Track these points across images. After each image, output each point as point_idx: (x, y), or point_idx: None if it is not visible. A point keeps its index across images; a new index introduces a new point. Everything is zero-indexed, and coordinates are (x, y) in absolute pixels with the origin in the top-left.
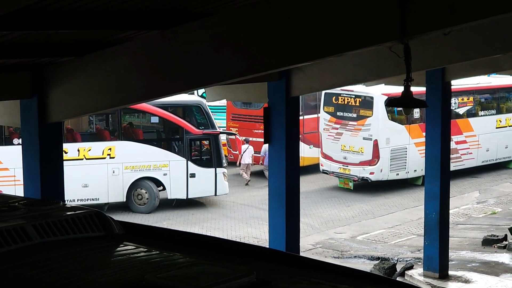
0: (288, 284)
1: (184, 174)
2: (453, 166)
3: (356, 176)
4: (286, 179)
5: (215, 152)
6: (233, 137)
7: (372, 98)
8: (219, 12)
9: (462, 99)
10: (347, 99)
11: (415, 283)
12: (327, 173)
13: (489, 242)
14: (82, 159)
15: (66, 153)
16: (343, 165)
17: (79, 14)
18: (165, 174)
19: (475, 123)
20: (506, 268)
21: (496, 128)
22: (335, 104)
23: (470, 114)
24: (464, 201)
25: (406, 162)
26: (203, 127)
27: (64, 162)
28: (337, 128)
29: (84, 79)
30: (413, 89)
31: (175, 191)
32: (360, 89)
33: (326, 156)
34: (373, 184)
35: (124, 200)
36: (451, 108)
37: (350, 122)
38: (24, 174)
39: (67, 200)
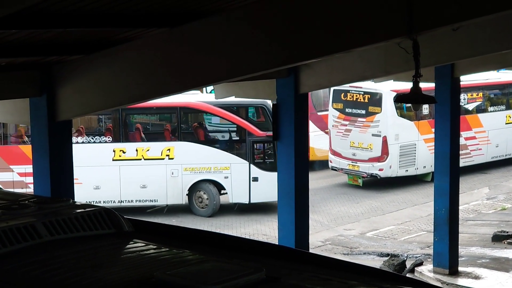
0: (297, 281)
1: (246, 178)
2: (462, 162)
3: (365, 172)
4: (295, 176)
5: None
6: None
7: (381, 94)
8: (227, 9)
9: (471, 95)
10: (356, 96)
11: (425, 279)
12: (336, 170)
13: (499, 238)
14: (140, 159)
15: (124, 152)
16: (352, 162)
17: (87, 12)
18: (226, 177)
19: (484, 119)
20: None
21: (506, 123)
22: (344, 101)
23: (480, 110)
24: (474, 197)
25: (415, 159)
26: (266, 129)
27: (122, 162)
28: (346, 125)
29: (92, 77)
30: (422, 85)
31: (237, 195)
32: (368, 85)
33: (335, 153)
34: (382, 181)
35: (183, 202)
36: (460, 104)
37: (359, 119)
38: (34, 172)
39: (125, 201)
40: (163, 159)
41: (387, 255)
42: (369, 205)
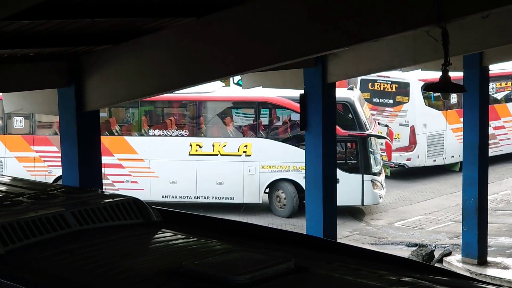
0: (326, 271)
1: None
2: (491, 152)
3: (393, 162)
4: (323, 166)
5: (362, 157)
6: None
7: (408, 84)
8: None
9: (500, 84)
10: (383, 85)
11: (453, 269)
12: None
13: None
14: (217, 154)
15: (200, 147)
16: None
17: (115, 3)
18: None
19: None
20: None
21: None
22: (371, 90)
23: (508, 99)
24: (503, 187)
25: (443, 148)
26: (349, 128)
27: (199, 156)
28: (373, 115)
29: (120, 67)
30: (450, 74)
31: None
32: (396, 75)
33: None
34: (410, 171)
35: (260, 201)
36: (489, 93)
37: (387, 108)
38: (62, 162)
39: (202, 197)
40: (240, 155)
41: (415, 245)
42: (397, 195)
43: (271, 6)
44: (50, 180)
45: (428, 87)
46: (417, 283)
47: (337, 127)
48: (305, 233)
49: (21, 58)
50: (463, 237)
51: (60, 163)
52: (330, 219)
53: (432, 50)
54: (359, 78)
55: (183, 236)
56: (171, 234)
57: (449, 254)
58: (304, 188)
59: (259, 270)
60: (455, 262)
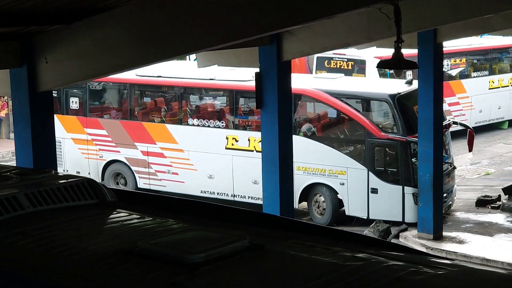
0: (281, 248)
1: (364, 188)
2: None
3: None
4: (279, 143)
5: (403, 165)
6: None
7: (364, 61)
8: None
9: (455, 61)
10: (340, 63)
11: (409, 244)
12: None
13: (483, 203)
14: (253, 150)
15: (236, 141)
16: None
17: None
18: (342, 184)
19: (467, 85)
20: (500, 228)
21: (489, 89)
22: (328, 68)
23: (463, 75)
24: (458, 162)
25: None
26: (390, 130)
27: (235, 151)
28: None
29: (73, 47)
30: (405, 51)
31: (354, 207)
32: (352, 52)
33: None
34: None
35: (296, 206)
36: (444, 69)
37: None
38: (16, 143)
39: (238, 196)
40: None
41: (372, 221)
42: None
43: None
44: (101, 165)
45: (381, 64)
46: (371, 259)
47: (375, 128)
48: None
49: None
50: (419, 213)
51: (111, 148)
52: (286, 197)
53: (386, 27)
54: (315, 56)
55: (138, 216)
56: (126, 214)
57: (406, 229)
58: (341, 196)
59: (214, 248)
60: (411, 238)
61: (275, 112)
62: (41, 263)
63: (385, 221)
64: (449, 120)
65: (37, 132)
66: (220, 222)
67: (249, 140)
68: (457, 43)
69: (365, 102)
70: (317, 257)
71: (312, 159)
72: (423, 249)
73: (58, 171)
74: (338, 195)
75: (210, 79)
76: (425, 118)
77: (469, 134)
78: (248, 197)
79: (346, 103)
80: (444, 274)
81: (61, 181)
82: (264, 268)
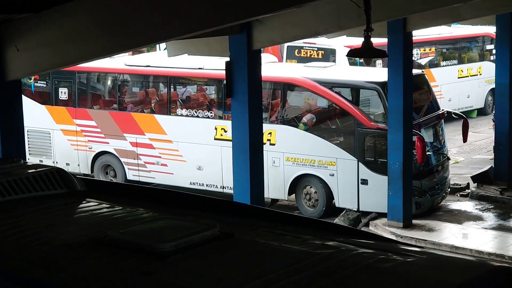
0: (252, 237)
1: (354, 179)
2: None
3: None
4: (249, 132)
5: None
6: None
7: (334, 50)
8: None
9: (424, 50)
10: (310, 52)
11: (379, 232)
12: None
13: (452, 191)
14: None
15: (225, 131)
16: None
17: None
18: (331, 175)
19: (437, 74)
20: (468, 216)
21: (458, 78)
22: (298, 57)
23: (432, 64)
24: None
25: None
26: (377, 119)
27: (224, 142)
28: None
29: (42, 35)
30: (376, 40)
31: (343, 198)
32: (322, 41)
33: None
34: None
35: (286, 198)
36: (413, 58)
37: None
38: None
39: (227, 188)
40: (264, 144)
41: (343, 209)
42: None
43: None
44: (90, 156)
45: (351, 53)
46: (341, 247)
47: (365, 117)
48: None
49: None
50: (388, 201)
51: (100, 139)
52: (257, 186)
53: (356, 16)
54: (285, 45)
55: (108, 205)
56: (96, 203)
57: (376, 218)
58: (330, 187)
59: (184, 237)
60: (381, 226)
61: (245, 101)
62: (11, 253)
63: (379, 213)
64: (442, 110)
65: (6, 122)
66: (190, 210)
67: None
68: (427, 32)
69: (355, 91)
70: (287, 245)
71: (301, 150)
72: (393, 237)
73: (47, 163)
74: (328, 188)
75: (199, 68)
76: (395, 107)
77: (463, 123)
78: None
79: (335, 92)
80: (413, 262)
81: (29, 171)
82: (234, 256)
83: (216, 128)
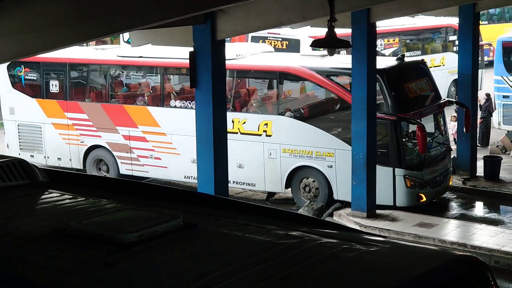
0: (215, 227)
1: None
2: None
3: None
4: (213, 122)
5: (393, 145)
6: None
7: (298, 40)
8: None
9: (388, 41)
10: (274, 42)
11: (343, 222)
12: None
13: None
14: (237, 132)
15: None
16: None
17: None
18: (330, 166)
19: None
20: (431, 206)
21: None
22: None
23: (396, 55)
24: None
25: None
26: (378, 108)
27: None
28: None
29: (3, 25)
30: (341, 30)
31: (342, 191)
32: (286, 32)
33: None
34: None
35: (283, 191)
36: (377, 49)
37: None
38: None
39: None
40: (260, 135)
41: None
42: None
43: None
44: (82, 151)
45: (314, 43)
46: (304, 237)
47: None
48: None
49: None
50: (352, 191)
51: (92, 132)
52: (221, 176)
53: (320, 7)
54: (250, 35)
55: (71, 196)
56: (58, 194)
57: (340, 208)
58: (329, 179)
59: (148, 228)
60: (345, 216)
61: (209, 91)
62: None
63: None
64: (444, 99)
65: None
66: (154, 201)
67: (233, 121)
68: (391, 23)
69: (348, 77)
70: (250, 235)
71: (298, 141)
72: (357, 227)
73: (39, 158)
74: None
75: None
76: (359, 97)
77: (465, 113)
78: (233, 182)
79: (333, 80)
80: (376, 251)
81: None
82: (197, 247)
83: None
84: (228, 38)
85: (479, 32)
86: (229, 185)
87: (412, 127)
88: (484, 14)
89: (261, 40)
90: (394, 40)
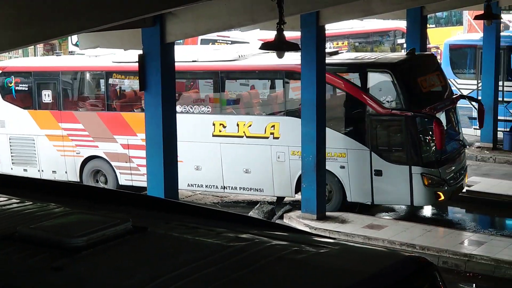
0: (165, 230)
1: (367, 170)
2: None
3: None
4: (163, 125)
5: (409, 142)
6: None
7: (248, 43)
8: None
9: (337, 43)
10: (223, 45)
11: (293, 225)
12: None
13: None
14: (242, 136)
15: (224, 127)
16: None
17: None
18: (342, 167)
19: None
20: (381, 208)
21: None
22: None
23: None
24: None
25: None
26: (390, 105)
27: (223, 138)
28: None
29: None
30: (290, 34)
31: (356, 192)
32: (236, 35)
33: None
34: None
35: (293, 195)
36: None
37: None
38: None
39: (229, 188)
40: (267, 137)
41: (257, 202)
42: None
43: None
44: (78, 162)
45: (263, 46)
46: (254, 239)
47: (375, 103)
48: None
49: None
50: (302, 193)
51: (88, 143)
52: (171, 179)
53: (269, 10)
54: (199, 38)
55: (18, 201)
56: (5, 198)
57: (290, 210)
58: (341, 180)
59: (96, 232)
60: (295, 218)
61: (159, 94)
62: None
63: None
64: (456, 94)
65: None
66: (103, 205)
67: (238, 125)
68: (340, 26)
69: (364, 75)
70: (200, 238)
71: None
72: (307, 229)
73: (32, 172)
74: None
75: (193, 61)
76: (308, 100)
77: (479, 109)
78: (240, 188)
79: (342, 77)
80: (326, 253)
81: None
82: (147, 250)
83: (214, 124)
84: (181, 41)
85: (426, 35)
86: (237, 191)
87: (428, 123)
88: (431, 17)
89: (210, 43)
90: (343, 43)
